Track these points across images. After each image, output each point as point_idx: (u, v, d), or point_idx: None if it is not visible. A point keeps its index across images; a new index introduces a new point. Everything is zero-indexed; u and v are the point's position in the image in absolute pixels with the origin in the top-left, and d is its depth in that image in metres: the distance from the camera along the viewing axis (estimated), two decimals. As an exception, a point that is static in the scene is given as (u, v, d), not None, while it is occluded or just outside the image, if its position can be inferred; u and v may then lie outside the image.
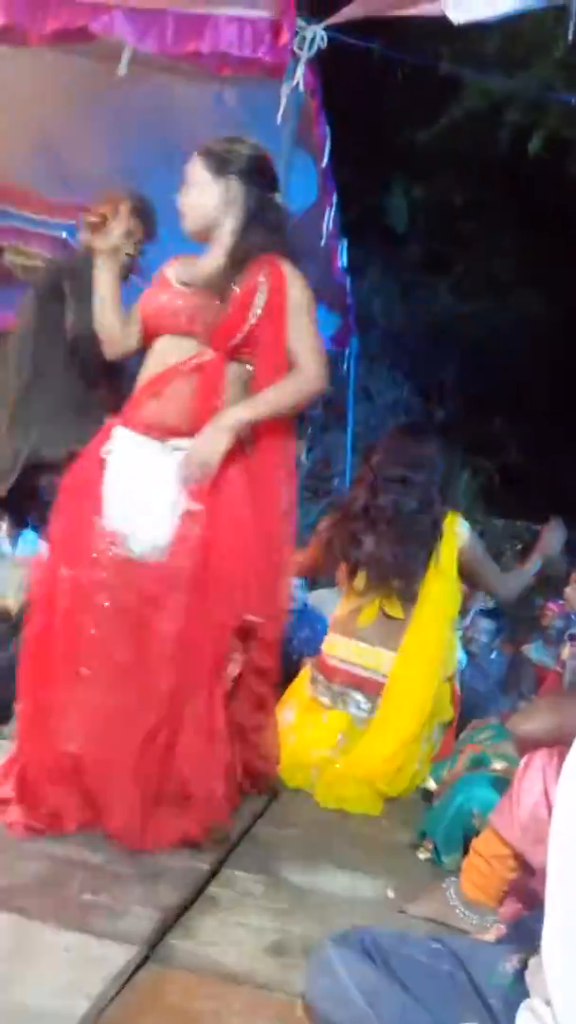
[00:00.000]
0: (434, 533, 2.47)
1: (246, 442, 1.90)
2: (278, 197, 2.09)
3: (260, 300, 1.88)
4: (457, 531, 2.51)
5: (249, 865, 1.78)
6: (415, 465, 2.50)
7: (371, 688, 2.44)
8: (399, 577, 2.44)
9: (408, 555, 2.44)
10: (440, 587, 2.47)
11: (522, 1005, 0.96)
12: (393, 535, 2.44)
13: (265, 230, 1.94)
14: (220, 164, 1.96)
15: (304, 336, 1.91)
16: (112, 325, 2.10)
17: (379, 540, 2.45)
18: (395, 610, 2.48)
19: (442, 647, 2.47)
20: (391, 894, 1.69)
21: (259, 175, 1.99)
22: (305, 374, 1.90)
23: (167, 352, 1.93)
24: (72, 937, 1.34)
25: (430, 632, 2.45)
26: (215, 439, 1.81)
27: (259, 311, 1.87)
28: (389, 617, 2.49)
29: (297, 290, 1.92)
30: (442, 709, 2.48)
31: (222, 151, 1.98)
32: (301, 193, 3.44)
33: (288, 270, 1.92)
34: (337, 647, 2.53)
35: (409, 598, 2.46)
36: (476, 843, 1.60)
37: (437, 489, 2.52)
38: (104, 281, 2.10)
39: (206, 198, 1.94)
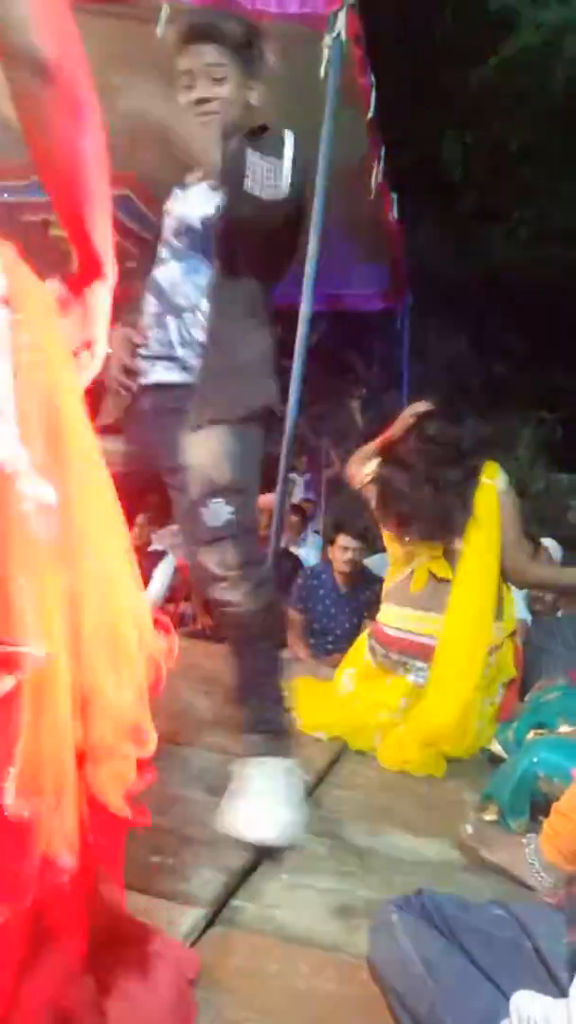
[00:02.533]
0: (468, 483, 2.46)
1: None
2: None
3: None
4: (495, 481, 2.49)
5: (313, 827, 1.78)
6: (459, 420, 2.54)
7: (430, 654, 2.43)
8: (442, 527, 2.44)
9: (445, 504, 2.45)
10: (479, 539, 2.45)
11: None
12: (431, 486, 2.46)
13: None
14: None
15: None
16: None
17: (419, 491, 2.47)
18: (443, 570, 2.47)
19: (490, 602, 2.44)
20: (470, 829, 1.69)
21: None
22: None
23: None
24: (138, 899, 1.37)
25: (475, 588, 2.43)
26: None
27: None
28: (439, 580, 2.46)
29: None
30: (504, 668, 2.45)
31: None
32: (349, 147, 3.36)
33: None
34: (391, 616, 2.53)
35: (453, 551, 2.45)
36: (559, 803, 1.58)
37: (477, 441, 2.54)
38: None
39: None
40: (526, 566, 2.57)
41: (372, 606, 3.27)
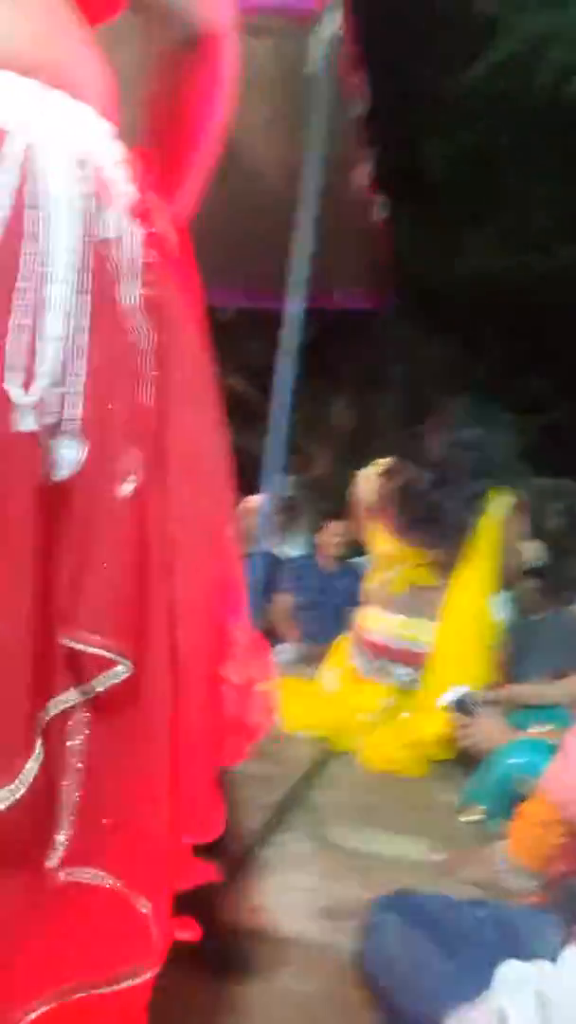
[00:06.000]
0: (485, 498, 2.44)
1: None
2: None
3: None
4: (502, 500, 2.48)
5: (298, 828, 1.79)
6: (490, 428, 2.49)
7: (411, 659, 2.43)
8: (456, 532, 2.39)
9: (470, 511, 2.41)
10: (483, 551, 2.43)
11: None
12: (463, 491, 2.41)
13: None
14: None
15: None
16: None
17: (450, 494, 2.41)
18: (425, 579, 2.45)
19: (485, 613, 2.44)
20: (437, 858, 1.69)
21: None
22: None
23: None
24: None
25: (472, 598, 2.42)
26: None
27: None
28: (420, 587, 2.46)
29: None
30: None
31: None
32: (336, 147, 3.36)
33: None
34: (373, 620, 2.51)
35: (449, 560, 2.43)
36: (524, 807, 1.59)
37: (500, 454, 2.52)
38: None
39: None
40: None
41: (353, 595, 3.34)
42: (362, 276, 5.47)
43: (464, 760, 2.27)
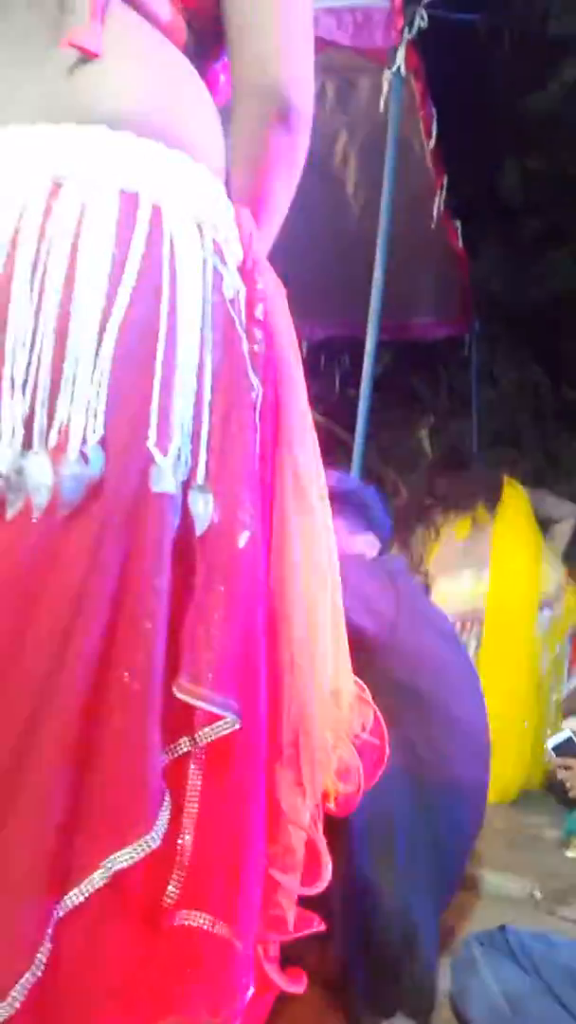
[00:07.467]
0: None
1: None
2: None
3: None
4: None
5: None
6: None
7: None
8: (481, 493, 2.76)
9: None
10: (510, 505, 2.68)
11: None
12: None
13: None
14: None
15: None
16: None
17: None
18: (483, 518, 2.68)
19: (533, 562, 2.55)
20: (538, 895, 1.63)
21: None
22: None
23: None
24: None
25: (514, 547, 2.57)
26: None
27: None
28: (480, 527, 2.66)
29: None
30: (572, 614, 2.46)
31: None
32: (412, 178, 3.39)
33: None
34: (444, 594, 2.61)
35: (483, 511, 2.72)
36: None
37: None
38: None
39: None
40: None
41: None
42: (442, 304, 5.47)
43: (556, 791, 2.19)
